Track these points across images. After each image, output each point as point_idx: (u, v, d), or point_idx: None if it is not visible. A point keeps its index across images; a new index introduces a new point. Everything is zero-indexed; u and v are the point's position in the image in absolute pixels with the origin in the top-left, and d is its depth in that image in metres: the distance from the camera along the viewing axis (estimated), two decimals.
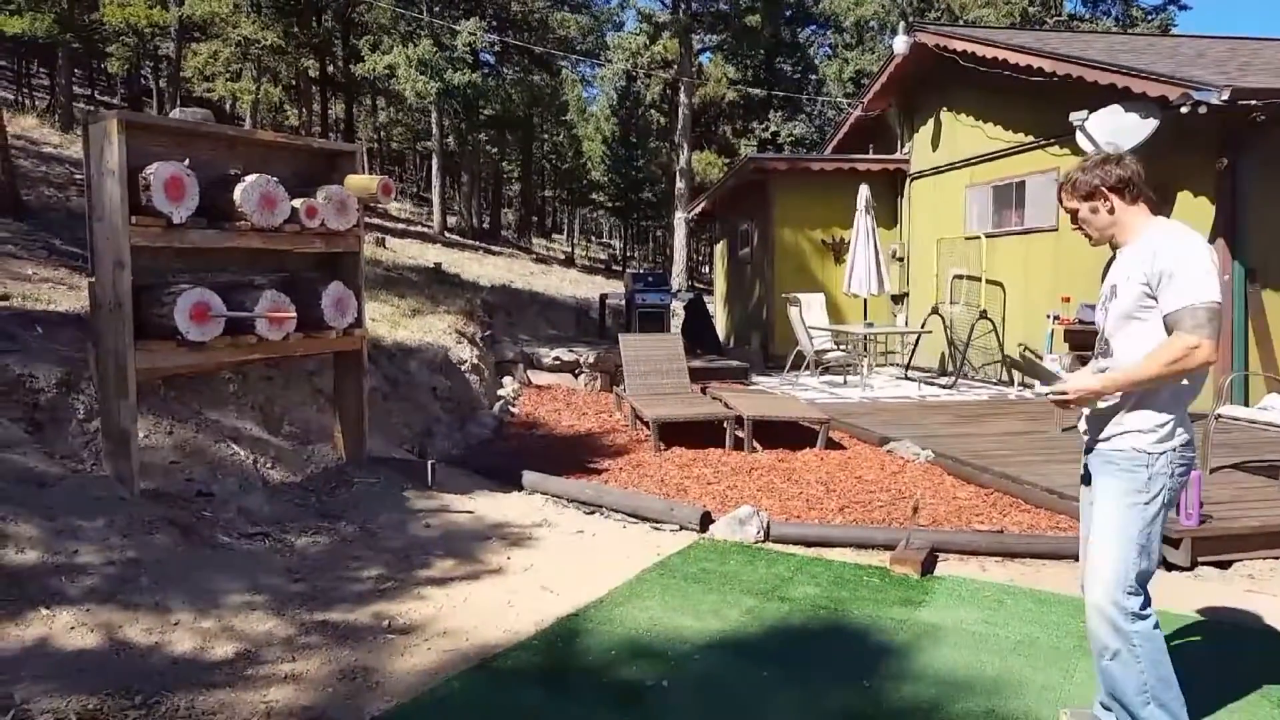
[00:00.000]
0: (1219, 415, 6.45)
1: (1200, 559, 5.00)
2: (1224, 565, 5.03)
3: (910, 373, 12.98)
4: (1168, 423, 2.84)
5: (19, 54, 39.11)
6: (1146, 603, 2.86)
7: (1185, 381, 2.84)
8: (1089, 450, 3.05)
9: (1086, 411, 3.04)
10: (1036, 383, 3.05)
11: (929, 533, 5.28)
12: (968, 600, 4.41)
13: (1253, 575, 4.90)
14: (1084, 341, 9.67)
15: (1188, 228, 2.87)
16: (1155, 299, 2.80)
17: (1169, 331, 2.77)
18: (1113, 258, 3.07)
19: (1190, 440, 2.90)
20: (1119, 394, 2.89)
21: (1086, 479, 3.11)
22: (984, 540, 5.22)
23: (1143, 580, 2.87)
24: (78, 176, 11.32)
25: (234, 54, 29.50)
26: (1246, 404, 8.42)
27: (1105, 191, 2.93)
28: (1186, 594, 4.58)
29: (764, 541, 5.30)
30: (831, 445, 7.99)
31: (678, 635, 3.92)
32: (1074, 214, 3.04)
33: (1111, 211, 2.94)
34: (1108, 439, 2.92)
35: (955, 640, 3.89)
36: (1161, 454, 2.84)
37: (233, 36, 28.20)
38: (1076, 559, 4.95)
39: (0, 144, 7.84)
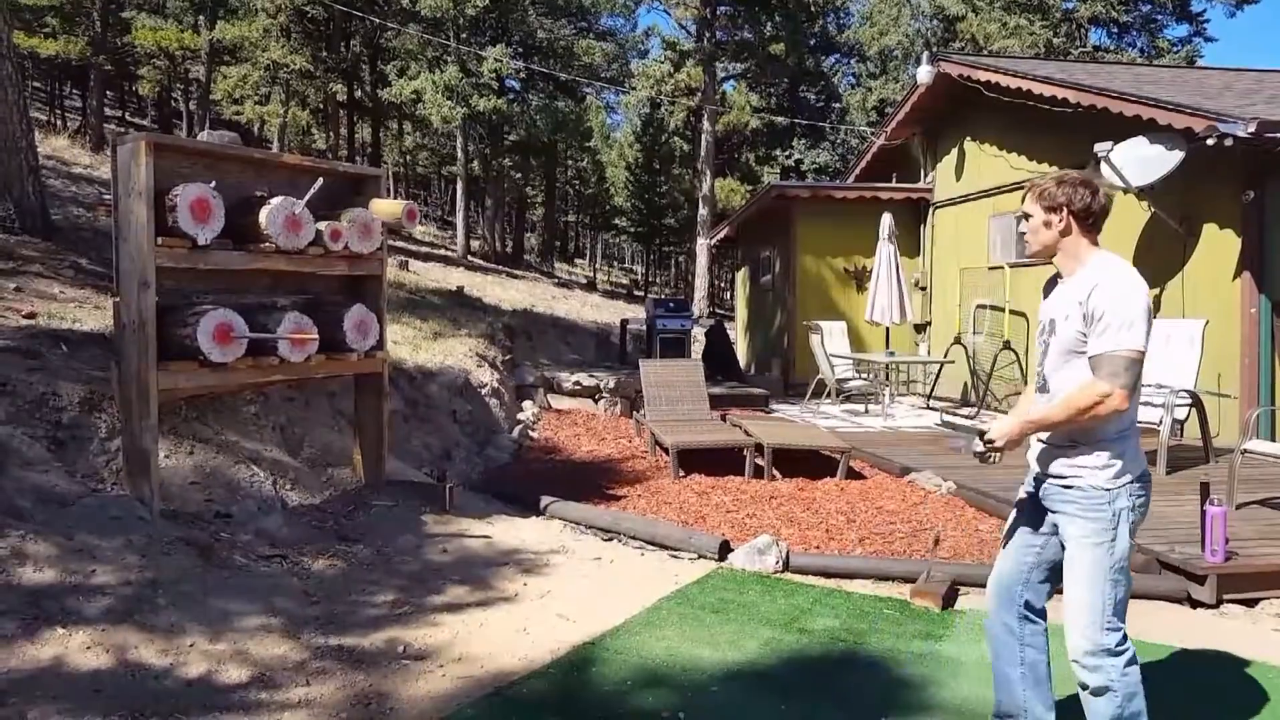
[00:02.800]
0: (1245, 450, 6.36)
1: (1225, 596, 4.91)
2: (1250, 604, 4.93)
3: (932, 402, 12.89)
4: (1121, 455, 2.85)
5: (52, 76, 39.71)
6: (1124, 639, 2.85)
7: (1132, 414, 2.86)
8: (1039, 482, 3.04)
9: (1036, 447, 3.05)
10: (961, 443, 3.03)
11: (950, 565, 5.21)
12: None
13: None
14: None
15: (1129, 268, 2.85)
16: (1087, 338, 2.82)
17: (1093, 372, 2.79)
18: (1050, 281, 3.07)
19: (1146, 471, 2.92)
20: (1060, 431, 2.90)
21: (1023, 505, 3.14)
22: None
23: (1120, 610, 2.87)
24: (106, 197, 11.44)
25: (263, 77, 29.86)
26: (1273, 439, 8.32)
27: (1068, 213, 2.91)
28: (1212, 632, 4.51)
29: (783, 572, 5.26)
30: (852, 475, 7.94)
31: (695, 666, 3.88)
32: (1027, 216, 3.01)
33: (1064, 233, 2.93)
34: (1063, 478, 2.92)
35: (976, 675, 3.82)
36: (1120, 489, 2.84)
37: (262, 60, 28.54)
38: None
39: (31, 164, 7.93)
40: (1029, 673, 3.11)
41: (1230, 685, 3.85)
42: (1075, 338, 2.84)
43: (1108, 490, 2.83)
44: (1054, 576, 3.09)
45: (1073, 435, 2.89)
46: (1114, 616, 2.83)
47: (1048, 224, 2.94)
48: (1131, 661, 2.85)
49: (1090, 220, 2.91)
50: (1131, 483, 2.85)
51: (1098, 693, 2.85)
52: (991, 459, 3.00)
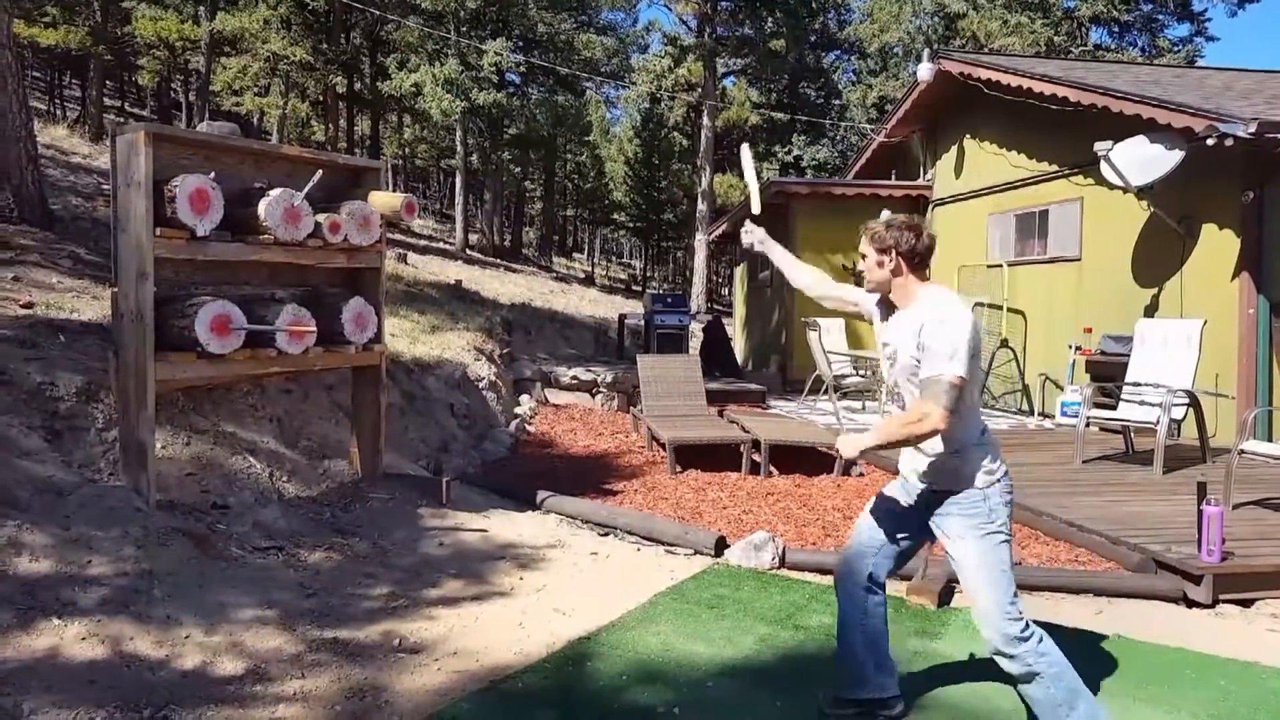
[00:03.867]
0: (1242, 450, 6.37)
1: (1221, 596, 4.92)
2: (1246, 604, 4.94)
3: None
4: (986, 457, 3.12)
5: (52, 65, 39.68)
6: (1027, 625, 3.05)
7: (978, 421, 3.17)
8: (915, 487, 3.29)
9: (911, 456, 3.30)
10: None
11: (946, 563, 5.21)
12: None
13: (1275, 614, 4.81)
14: (1106, 372, 9.60)
15: (955, 303, 3.12)
16: (920, 364, 3.09)
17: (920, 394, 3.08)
18: (887, 302, 3.32)
19: (1006, 470, 3.18)
20: (942, 439, 3.12)
21: (888, 497, 3.41)
22: None
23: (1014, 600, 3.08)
24: (105, 187, 11.43)
25: (263, 69, 29.81)
26: (1271, 440, 8.33)
27: (896, 254, 3.17)
28: (1207, 632, 4.51)
29: (779, 568, 5.26)
30: (849, 472, 7.94)
31: (690, 661, 3.88)
32: (863, 256, 3.27)
33: (895, 273, 3.19)
34: (946, 490, 3.17)
35: (971, 673, 3.83)
36: (992, 486, 3.11)
37: (262, 52, 28.49)
38: (1097, 594, 4.92)
39: (30, 154, 7.91)
40: (869, 641, 3.37)
41: (1225, 685, 3.86)
42: (911, 365, 3.12)
43: (983, 489, 3.10)
44: (899, 557, 3.39)
45: (940, 450, 3.15)
46: (1009, 607, 3.04)
47: (880, 264, 3.21)
48: (1041, 641, 3.05)
49: (917, 260, 3.17)
50: (998, 482, 3.11)
51: (1024, 680, 3.05)
52: (852, 467, 3.34)
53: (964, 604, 4.76)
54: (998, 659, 3.08)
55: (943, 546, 3.22)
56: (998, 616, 3.03)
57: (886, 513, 3.38)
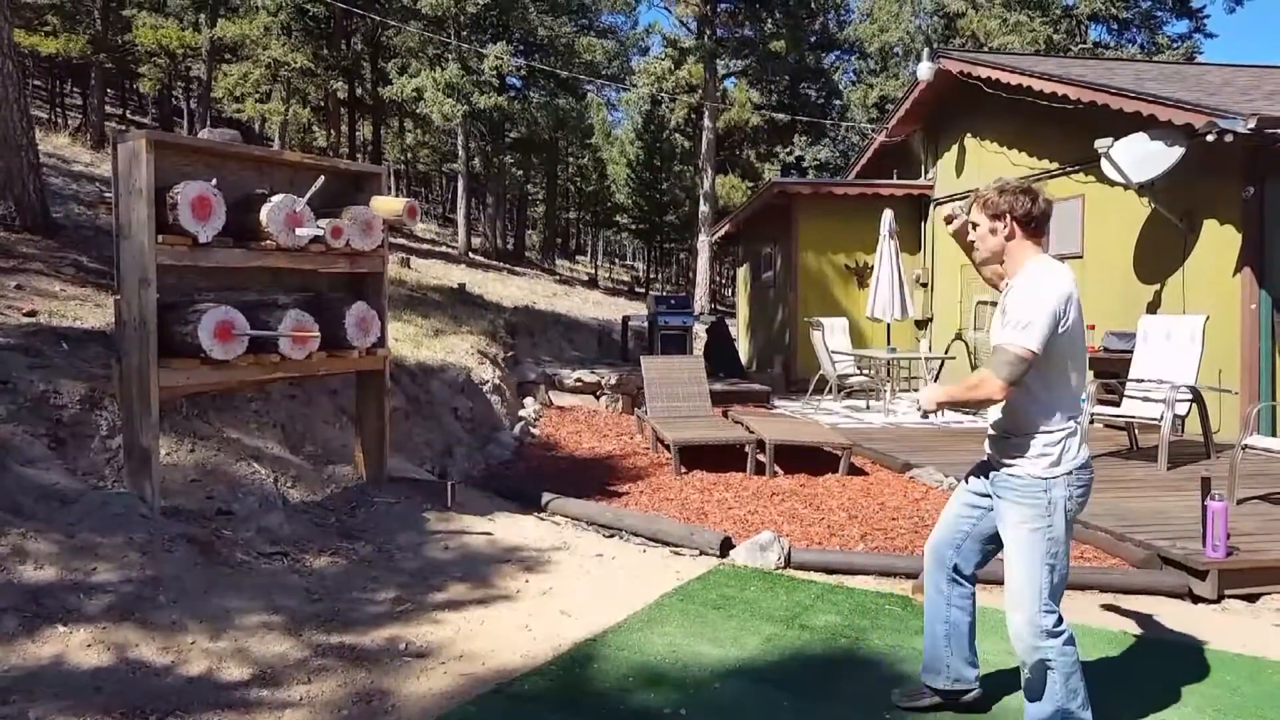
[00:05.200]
0: (1246, 446, 6.35)
1: (1227, 591, 4.92)
2: (1251, 599, 4.94)
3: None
4: (1057, 445, 3.00)
5: (53, 73, 39.70)
6: (1060, 620, 3.02)
7: (1059, 405, 3.01)
8: (988, 465, 3.23)
9: (990, 431, 3.22)
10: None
11: None
12: (990, 631, 4.33)
13: None
14: (1109, 369, 9.58)
15: (1053, 272, 3.02)
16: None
17: None
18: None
19: (1088, 461, 3.06)
20: (1008, 415, 3.10)
21: (970, 480, 3.35)
22: None
23: (1055, 595, 3.03)
24: (107, 195, 11.43)
25: (264, 75, 29.82)
26: (1274, 434, 8.31)
27: (1011, 219, 3.08)
28: (1213, 627, 4.50)
29: (785, 568, 5.25)
30: (854, 471, 7.94)
31: (696, 662, 3.87)
32: (974, 226, 3.19)
33: (1009, 238, 3.11)
34: (1005, 465, 3.11)
35: (989, 674, 3.82)
36: (1056, 478, 3.00)
37: (263, 58, 28.49)
38: (1102, 590, 4.91)
39: (32, 162, 7.92)
40: (952, 631, 3.37)
41: (1232, 681, 3.85)
42: (998, 330, 3.06)
43: (1043, 479, 3.00)
44: (986, 551, 3.33)
45: (1006, 427, 3.11)
46: (1049, 599, 3.00)
47: (994, 231, 3.13)
48: (1069, 642, 3.01)
49: (1033, 225, 3.09)
50: (1068, 474, 3.00)
51: (1035, 672, 3.03)
52: (930, 416, 3.26)
53: (984, 603, 4.74)
54: (1017, 644, 3.06)
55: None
56: (1031, 607, 2.99)
57: (964, 503, 3.34)
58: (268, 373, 5.21)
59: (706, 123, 33.11)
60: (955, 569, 3.34)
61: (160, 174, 4.64)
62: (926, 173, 14.94)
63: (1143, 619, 4.56)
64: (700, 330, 17.51)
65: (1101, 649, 4.13)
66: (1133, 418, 7.97)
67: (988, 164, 12.91)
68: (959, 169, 13.78)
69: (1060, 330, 2.92)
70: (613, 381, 11.46)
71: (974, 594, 3.39)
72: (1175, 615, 4.68)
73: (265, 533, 4.92)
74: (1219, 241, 8.88)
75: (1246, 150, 8.29)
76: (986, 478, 3.23)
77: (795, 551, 5.37)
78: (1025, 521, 3.02)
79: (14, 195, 7.73)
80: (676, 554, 5.50)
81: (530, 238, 53.53)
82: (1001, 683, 3.63)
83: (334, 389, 6.94)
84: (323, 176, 5.43)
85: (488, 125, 32.27)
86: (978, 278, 12.08)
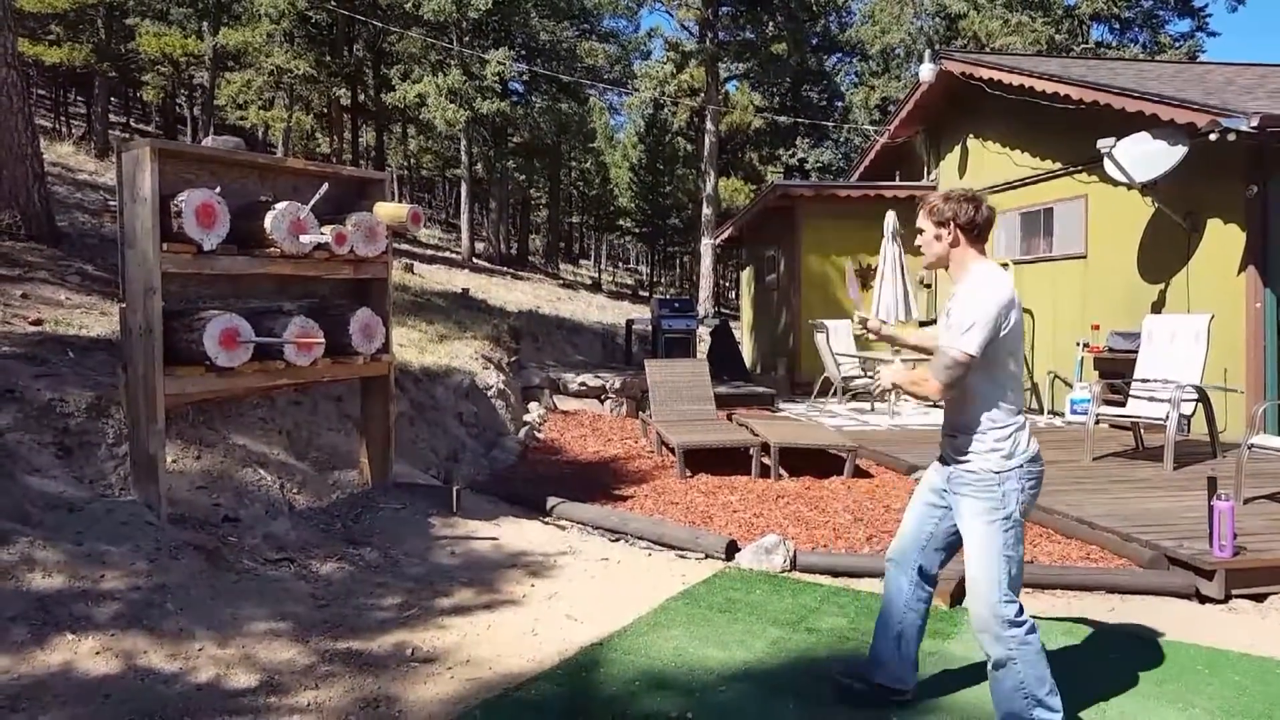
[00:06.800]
0: (1252, 445, 6.34)
1: (1234, 591, 4.91)
2: (1259, 598, 4.93)
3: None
4: (1008, 439, 3.13)
5: (57, 83, 39.79)
6: (1021, 609, 3.11)
7: (1003, 402, 3.14)
8: (944, 462, 3.36)
9: (943, 430, 3.38)
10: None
11: (957, 564, 5.20)
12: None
13: None
14: (1114, 369, 9.57)
15: (995, 279, 3.12)
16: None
17: None
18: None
19: (1037, 455, 3.18)
20: (959, 412, 3.23)
21: (929, 478, 3.46)
22: None
23: (1015, 586, 3.13)
24: (111, 203, 11.46)
25: (267, 83, 29.89)
26: None
27: (955, 226, 3.19)
28: (1221, 627, 4.50)
29: (790, 571, 5.25)
30: (859, 473, 7.93)
31: (702, 666, 3.88)
32: (920, 232, 3.31)
33: (953, 244, 3.22)
34: (961, 461, 3.22)
35: (984, 674, 3.81)
36: (1009, 472, 3.11)
37: (266, 66, 28.56)
38: (1109, 590, 4.91)
39: (37, 171, 7.94)
40: (904, 634, 3.46)
41: (1240, 681, 3.84)
42: (943, 333, 3.19)
43: (997, 473, 3.12)
44: (949, 547, 3.43)
45: (956, 425, 3.24)
46: (1009, 590, 3.10)
47: (939, 238, 3.25)
48: (1031, 630, 3.11)
49: (975, 232, 3.21)
50: (1019, 467, 3.12)
51: (999, 664, 3.12)
52: (885, 396, 3.44)
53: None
54: (981, 637, 3.15)
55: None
56: (991, 598, 3.09)
57: (926, 504, 3.43)
58: (273, 379, 5.22)
59: (709, 126, 33.11)
60: (920, 570, 3.44)
61: (164, 182, 4.65)
62: (929, 174, 14.94)
63: (1150, 620, 4.55)
64: (704, 333, 17.52)
65: (1109, 650, 4.13)
66: (1138, 418, 7.96)
67: (990, 165, 12.91)
68: (962, 170, 13.78)
69: (1002, 334, 3.05)
70: (617, 385, 11.46)
71: (930, 598, 3.50)
72: (1182, 615, 4.67)
73: (271, 539, 4.93)
74: (1223, 240, 8.87)
75: (1249, 149, 8.29)
76: (941, 475, 3.35)
77: (801, 554, 5.37)
78: (981, 515, 3.13)
79: (19, 204, 7.74)
80: (682, 557, 5.50)
81: (534, 242, 53.55)
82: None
83: (339, 395, 6.94)
84: (326, 183, 5.45)
85: (490, 130, 32.30)
86: None
